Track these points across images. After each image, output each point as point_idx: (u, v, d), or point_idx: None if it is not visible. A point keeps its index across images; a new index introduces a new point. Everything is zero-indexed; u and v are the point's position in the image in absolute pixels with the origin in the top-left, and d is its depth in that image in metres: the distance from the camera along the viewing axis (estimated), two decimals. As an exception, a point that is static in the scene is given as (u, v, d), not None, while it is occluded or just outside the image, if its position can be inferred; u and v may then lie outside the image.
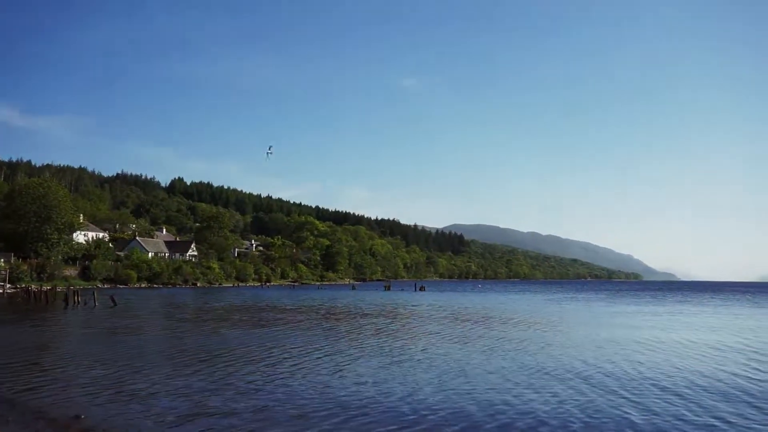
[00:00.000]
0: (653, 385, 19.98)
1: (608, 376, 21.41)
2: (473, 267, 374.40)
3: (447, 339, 33.34)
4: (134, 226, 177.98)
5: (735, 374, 22.23)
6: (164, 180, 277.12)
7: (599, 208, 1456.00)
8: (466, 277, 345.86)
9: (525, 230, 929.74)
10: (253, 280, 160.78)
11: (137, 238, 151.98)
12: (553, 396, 17.97)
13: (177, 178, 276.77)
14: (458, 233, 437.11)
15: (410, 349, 28.88)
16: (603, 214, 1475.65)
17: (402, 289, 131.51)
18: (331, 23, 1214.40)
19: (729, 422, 15.05)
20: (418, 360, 25.16)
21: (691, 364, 24.54)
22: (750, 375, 22.16)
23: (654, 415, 15.70)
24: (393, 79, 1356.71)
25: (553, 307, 70.13)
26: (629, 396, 18.08)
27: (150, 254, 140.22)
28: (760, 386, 19.97)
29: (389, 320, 46.93)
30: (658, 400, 17.50)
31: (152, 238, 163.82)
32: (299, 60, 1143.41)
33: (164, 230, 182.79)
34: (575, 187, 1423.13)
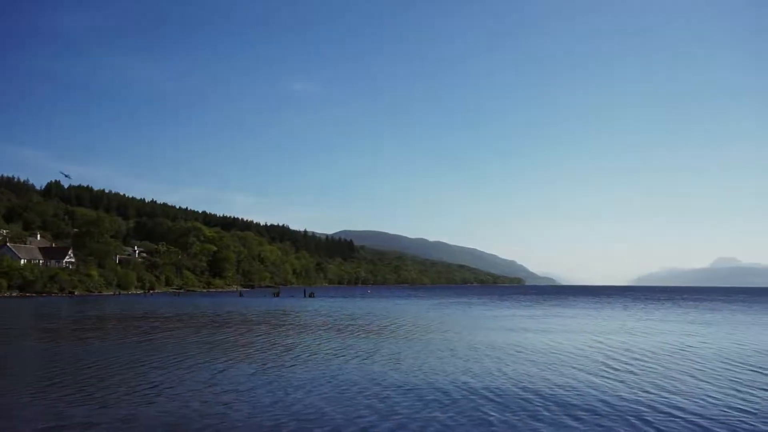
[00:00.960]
0: (516, 386, 21.20)
1: (476, 378, 22.53)
2: (363, 273, 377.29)
3: (326, 346, 33.74)
4: (5, 231, 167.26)
5: (591, 374, 23.94)
6: (40, 183, 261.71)
7: (486, 216, 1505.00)
8: (356, 283, 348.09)
9: (413, 236, 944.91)
10: (136, 287, 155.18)
11: (8, 244, 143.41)
12: (418, 399, 18.73)
13: (54, 181, 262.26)
14: (348, 239, 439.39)
15: (286, 356, 29.09)
16: (489, 221, 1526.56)
17: (291, 296, 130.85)
18: (219, 25, 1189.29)
19: (580, 419, 16.30)
20: (291, 367, 25.42)
21: (557, 367, 26.15)
22: (605, 375, 23.87)
23: (512, 414, 16.71)
24: (283, 82, 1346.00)
25: (435, 312, 72.06)
26: (490, 396, 19.18)
27: (22, 261, 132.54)
28: (610, 385, 21.62)
29: (272, 328, 46.82)
30: (518, 400, 18.60)
31: (25, 244, 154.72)
32: (186, 61, 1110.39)
33: (39, 236, 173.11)
34: (461, 194, 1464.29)
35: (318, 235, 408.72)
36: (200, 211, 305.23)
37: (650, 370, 24.81)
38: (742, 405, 17.86)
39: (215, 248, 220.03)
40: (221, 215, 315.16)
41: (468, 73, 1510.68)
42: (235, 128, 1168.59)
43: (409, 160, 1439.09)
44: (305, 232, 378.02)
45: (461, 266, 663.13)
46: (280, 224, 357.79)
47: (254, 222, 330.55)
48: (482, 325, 50.10)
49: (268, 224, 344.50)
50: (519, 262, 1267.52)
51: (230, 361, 27.05)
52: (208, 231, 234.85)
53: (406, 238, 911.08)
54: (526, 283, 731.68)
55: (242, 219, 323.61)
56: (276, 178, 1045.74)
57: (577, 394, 19.44)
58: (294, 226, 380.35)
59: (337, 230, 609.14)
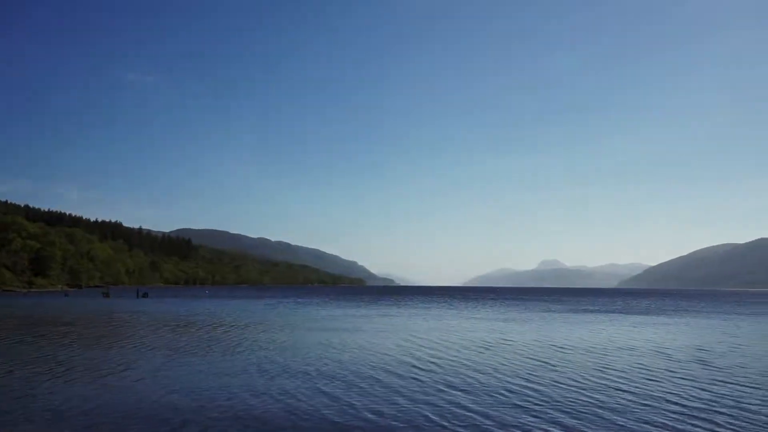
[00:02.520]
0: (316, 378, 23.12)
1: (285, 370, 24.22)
2: (201, 272, 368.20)
3: (149, 348, 33.96)
4: None
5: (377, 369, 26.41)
6: None
7: (328, 217, 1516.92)
8: (194, 283, 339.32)
9: (255, 236, 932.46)
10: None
11: None
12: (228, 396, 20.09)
13: None
14: (187, 238, 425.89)
15: (97, 361, 29.23)
16: (332, 223, 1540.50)
17: (122, 296, 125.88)
18: (51, 12, 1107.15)
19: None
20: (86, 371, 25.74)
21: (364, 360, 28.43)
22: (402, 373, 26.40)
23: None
24: (115, 73, 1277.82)
25: (269, 311, 72.93)
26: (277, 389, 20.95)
27: None
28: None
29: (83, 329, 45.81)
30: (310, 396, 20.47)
31: None
32: (13, 48, 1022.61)
33: None
34: (304, 194, 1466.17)
35: (154, 233, 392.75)
36: (22, 205, 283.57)
37: (450, 365, 27.67)
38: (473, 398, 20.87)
39: (39, 245, 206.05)
40: (46, 210, 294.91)
41: (303, 70, 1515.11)
42: (62, 117, 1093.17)
43: (252, 160, 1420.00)
44: (140, 229, 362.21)
45: (303, 266, 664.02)
46: (113, 221, 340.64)
47: (84, 218, 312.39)
48: (303, 325, 51.79)
49: (100, 221, 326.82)
50: (360, 263, 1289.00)
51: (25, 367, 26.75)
52: (30, 226, 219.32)
53: (247, 237, 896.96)
54: (367, 284, 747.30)
55: (70, 214, 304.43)
56: (107, 173, 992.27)
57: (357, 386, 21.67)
58: (128, 223, 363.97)
59: (175, 228, 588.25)
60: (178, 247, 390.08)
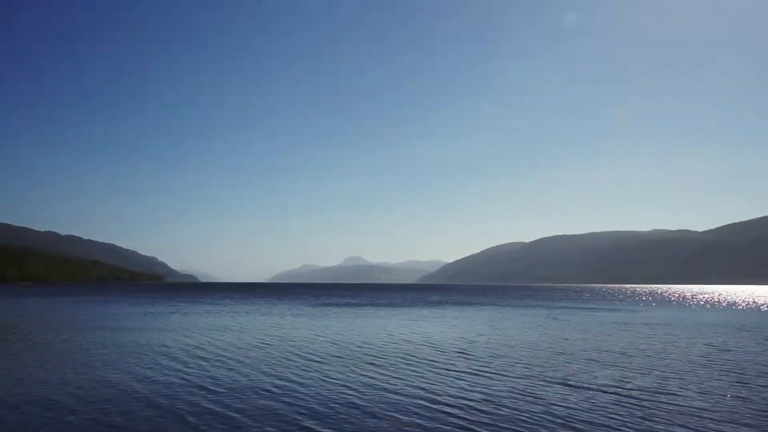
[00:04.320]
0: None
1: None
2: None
3: None
4: None
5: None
6: None
7: (126, 210, 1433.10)
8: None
9: (42, 229, 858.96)
10: None
11: None
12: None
13: None
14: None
15: None
16: (129, 216, 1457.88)
17: None
18: None
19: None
20: None
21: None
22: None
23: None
24: None
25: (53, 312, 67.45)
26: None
27: None
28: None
29: None
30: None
31: None
32: None
33: None
34: (99, 186, 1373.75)
35: None
36: None
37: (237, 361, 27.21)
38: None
39: None
40: None
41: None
42: None
43: (38, 149, 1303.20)
44: None
45: (95, 262, 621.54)
46: None
47: None
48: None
49: None
50: (160, 258, 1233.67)
51: None
52: None
53: (32, 230, 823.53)
54: (167, 281, 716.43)
55: None
56: None
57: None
58: None
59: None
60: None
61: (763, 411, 17.21)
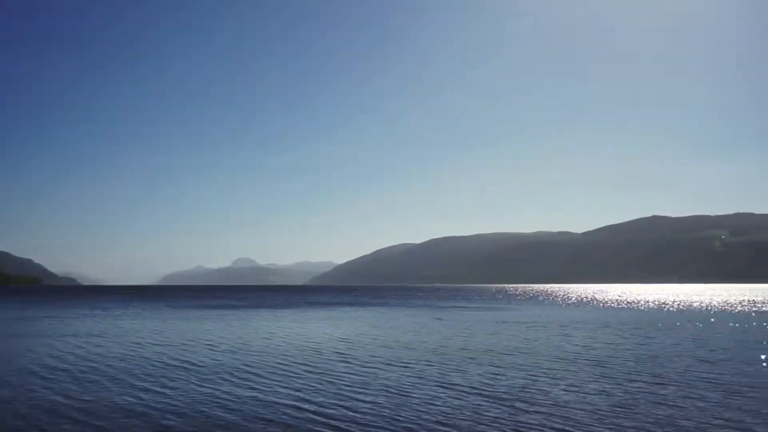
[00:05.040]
0: None
1: None
2: None
3: None
4: None
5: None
6: None
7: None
8: None
9: None
10: None
11: None
12: None
13: None
14: None
15: None
16: (2, 217, 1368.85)
17: None
18: None
19: None
20: None
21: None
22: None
23: None
24: None
25: None
26: None
27: None
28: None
29: None
30: None
31: None
32: None
33: None
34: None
35: None
36: None
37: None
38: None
39: None
40: None
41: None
42: None
43: None
44: None
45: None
46: None
47: None
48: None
49: None
50: (36, 260, 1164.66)
51: None
52: None
53: None
54: (44, 284, 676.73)
55: None
56: None
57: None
58: None
59: None
60: None
61: (622, 403, 17.97)
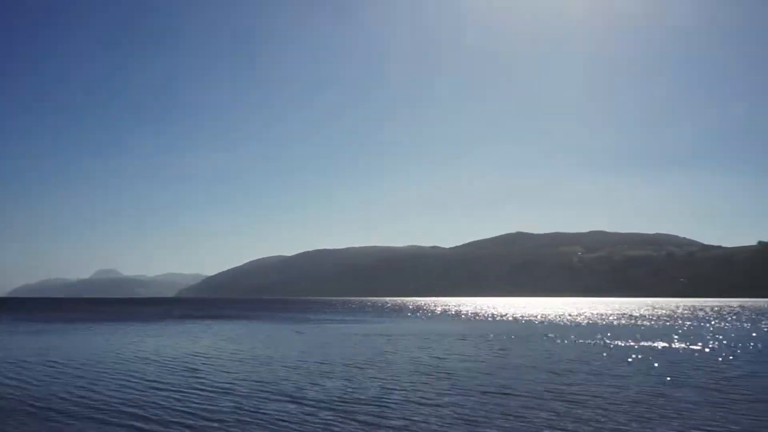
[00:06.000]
0: None
1: None
2: None
3: None
4: None
5: None
6: None
7: None
8: None
9: None
10: None
11: None
12: None
13: None
14: None
15: None
16: None
17: None
18: None
19: None
20: None
21: None
22: None
23: None
24: None
25: None
26: None
27: None
28: None
29: None
30: None
31: None
32: None
33: None
34: None
35: None
36: None
37: None
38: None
39: None
40: None
41: None
42: None
43: None
44: None
45: None
46: None
47: None
48: None
49: None
50: None
51: None
52: None
53: None
54: None
55: None
56: None
57: None
58: None
59: None
60: None
61: (471, 416, 18.17)
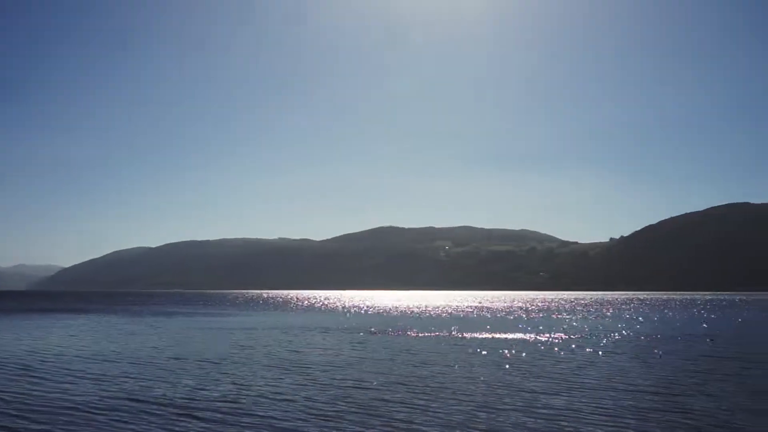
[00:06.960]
0: None
1: None
2: None
3: None
4: None
5: None
6: None
7: None
8: None
9: None
10: None
11: None
12: None
13: None
14: None
15: None
16: None
17: None
18: None
19: None
20: None
21: None
22: None
23: None
24: None
25: None
26: None
27: None
28: None
29: None
30: None
31: None
32: None
33: None
34: None
35: None
36: None
37: None
38: None
39: None
40: None
41: None
42: None
43: None
44: None
45: None
46: None
47: None
48: None
49: None
50: None
51: None
52: None
53: None
54: None
55: None
56: None
57: None
58: None
59: None
60: None
61: (325, 410, 17.72)
